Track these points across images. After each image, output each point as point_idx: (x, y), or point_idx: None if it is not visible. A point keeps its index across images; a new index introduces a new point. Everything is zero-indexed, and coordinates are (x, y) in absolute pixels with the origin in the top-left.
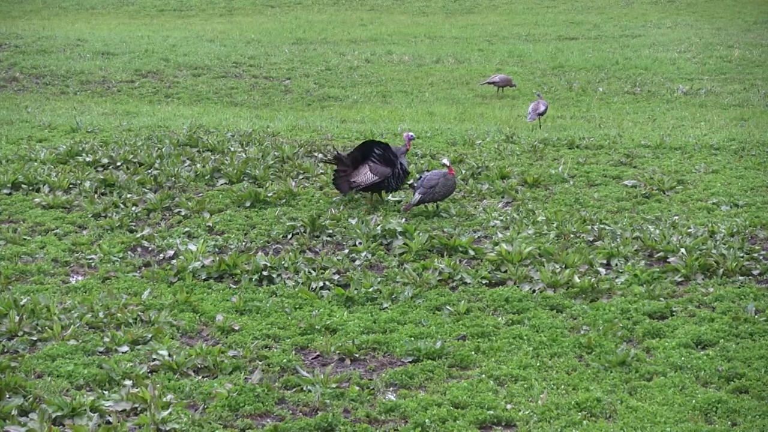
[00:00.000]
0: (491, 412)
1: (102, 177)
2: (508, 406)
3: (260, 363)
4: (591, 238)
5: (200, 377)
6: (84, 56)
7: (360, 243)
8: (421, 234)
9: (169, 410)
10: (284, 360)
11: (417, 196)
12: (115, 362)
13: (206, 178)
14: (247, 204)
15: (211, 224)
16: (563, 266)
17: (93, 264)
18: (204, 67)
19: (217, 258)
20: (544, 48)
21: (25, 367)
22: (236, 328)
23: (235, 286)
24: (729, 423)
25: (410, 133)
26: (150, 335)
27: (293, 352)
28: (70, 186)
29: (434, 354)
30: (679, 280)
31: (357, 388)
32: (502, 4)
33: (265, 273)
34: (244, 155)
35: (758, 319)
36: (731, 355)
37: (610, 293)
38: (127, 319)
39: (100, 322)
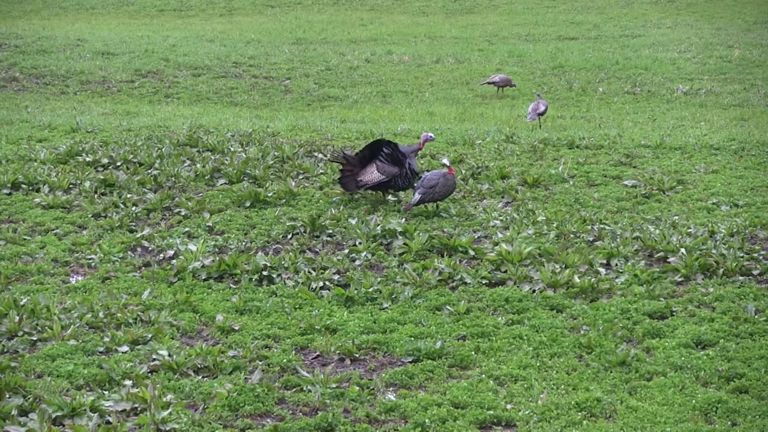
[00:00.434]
0: (491, 412)
1: (102, 177)
2: (508, 406)
3: (260, 363)
4: (591, 238)
5: (200, 377)
6: (84, 56)
7: (360, 243)
8: (421, 234)
9: (169, 410)
10: (284, 360)
11: (417, 196)
12: (115, 362)
13: (206, 178)
14: (247, 204)
15: (211, 224)
16: (563, 266)
17: (93, 264)
18: (204, 67)
19: (217, 258)
20: (544, 48)
21: (25, 367)
22: (236, 328)
23: (235, 286)
24: (729, 423)
25: (430, 134)
26: (150, 335)
27: (293, 352)
28: (70, 186)
29: (434, 354)
30: (679, 280)
31: (357, 388)
32: (502, 4)
33: (265, 273)
34: (244, 155)
35: (758, 319)
36: (731, 355)
37: (610, 293)
38: (127, 319)
39: (100, 322)
